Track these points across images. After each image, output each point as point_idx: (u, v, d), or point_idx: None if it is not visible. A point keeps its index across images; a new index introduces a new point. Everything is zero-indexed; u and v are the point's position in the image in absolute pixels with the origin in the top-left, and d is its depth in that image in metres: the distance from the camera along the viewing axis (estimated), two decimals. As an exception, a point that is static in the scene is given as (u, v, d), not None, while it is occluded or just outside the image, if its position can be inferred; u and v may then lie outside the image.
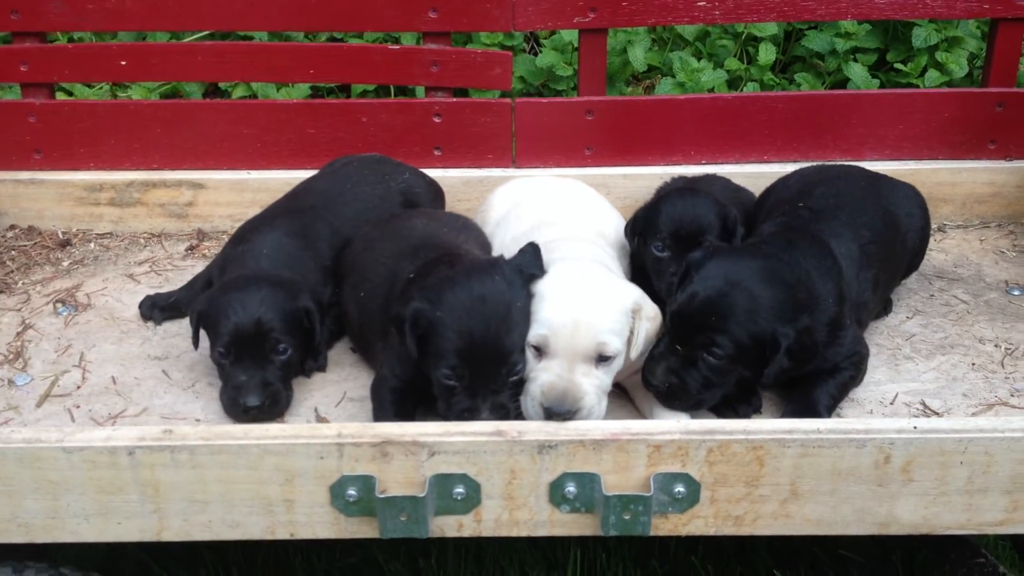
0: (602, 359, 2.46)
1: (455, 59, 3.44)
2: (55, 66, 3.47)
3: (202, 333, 2.75)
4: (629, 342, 2.52)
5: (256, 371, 2.65)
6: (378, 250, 2.85)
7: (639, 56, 4.44)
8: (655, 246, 2.87)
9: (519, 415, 2.44)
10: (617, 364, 2.51)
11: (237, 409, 2.62)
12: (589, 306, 2.47)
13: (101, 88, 4.42)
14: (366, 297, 2.80)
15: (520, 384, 2.46)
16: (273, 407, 2.65)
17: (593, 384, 2.44)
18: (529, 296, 2.50)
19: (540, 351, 2.46)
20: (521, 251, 2.60)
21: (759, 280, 2.53)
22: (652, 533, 2.27)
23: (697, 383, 2.53)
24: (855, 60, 4.53)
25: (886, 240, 2.89)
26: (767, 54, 4.52)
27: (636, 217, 2.96)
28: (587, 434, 2.21)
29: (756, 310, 2.50)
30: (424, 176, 3.31)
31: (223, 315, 2.66)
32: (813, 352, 2.56)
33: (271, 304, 2.68)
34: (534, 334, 2.45)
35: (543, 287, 2.52)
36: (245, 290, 2.71)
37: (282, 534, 2.30)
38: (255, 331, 2.65)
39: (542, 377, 2.43)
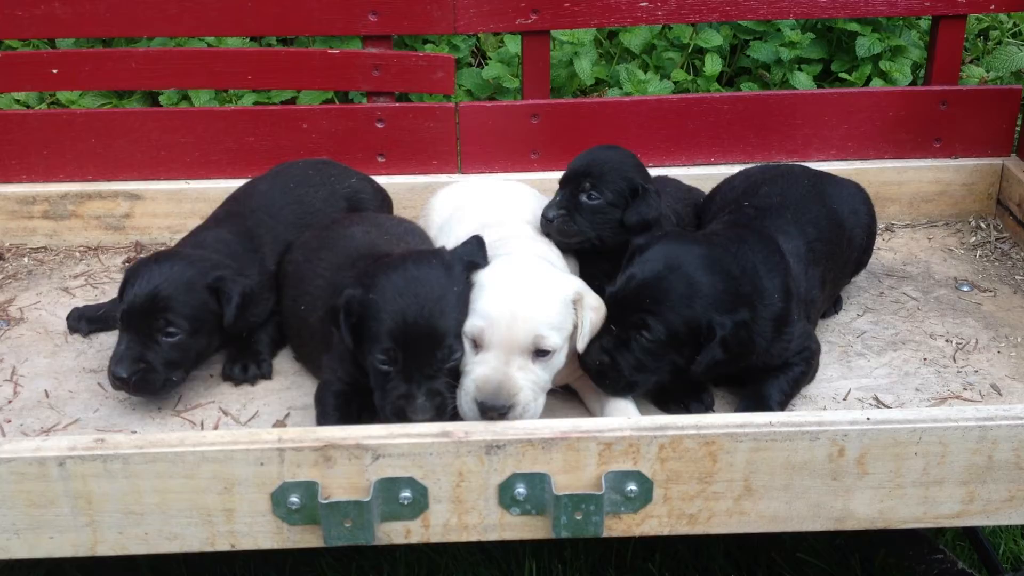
0: (540, 354, 2.40)
1: (397, 63, 3.39)
2: (-17, 76, 3.38)
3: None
4: (574, 335, 2.47)
5: (137, 345, 2.59)
6: (317, 261, 2.79)
7: (586, 68, 4.42)
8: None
9: (457, 411, 2.38)
10: (556, 361, 2.45)
11: (110, 377, 2.60)
12: (527, 299, 2.41)
13: (50, 99, 4.34)
14: (307, 310, 2.74)
15: (458, 373, 2.40)
16: (142, 384, 2.59)
17: (529, 379, 2.38)
18: (469, 284, 2.45)
19: (476, 343, 2.40)
20: (465, 242, 2.56)
21: (700, 267, 2.50)
22: (605, 534, 2.21)
23: (629, 365, 2.49)
24: (800, 70, 4.54)
25: (832, 237, 2.87)
26: (713, 65, 4.52)
27: None
28: (536, 433, 2.15)
29: (692, 296, 2.46)
30: (371, 182, 3.25)
31: (131, 282, 2.63)
32: (749, 348, 2.51)
33: (176, 281, 2.63)
34: (470, 325, 2.40)
35: (483, 278, 2.47)
36: (161, 262, 2.66)
37: (222, 545, 2.21)
38: (146, 306, 2.60)
39: (477, 370, 2.37)
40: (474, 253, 2.53)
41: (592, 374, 2.52)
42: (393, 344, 2.34)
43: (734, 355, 2.48)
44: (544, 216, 2.83)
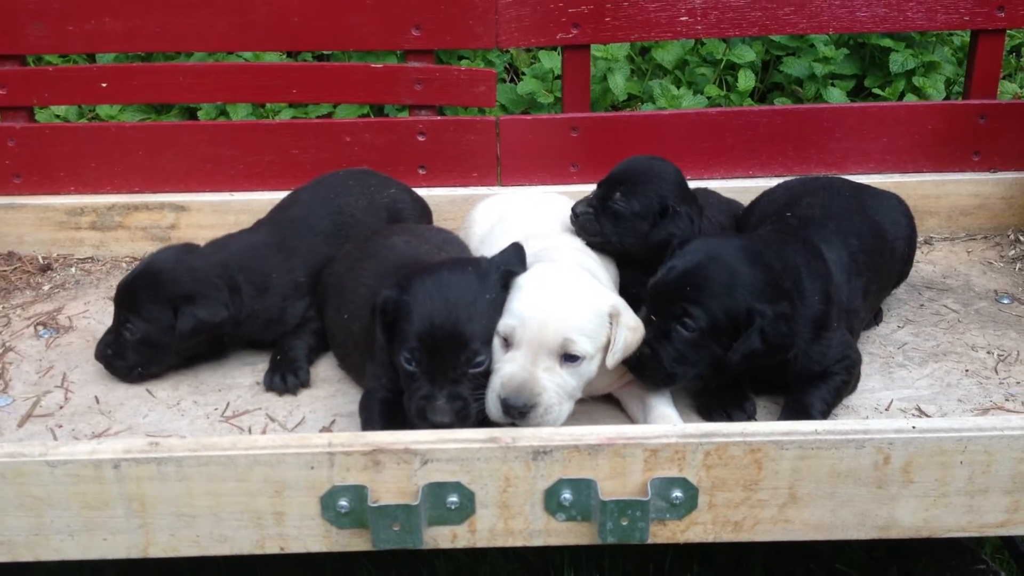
0: (569, 359, 2.41)
1: (439, 77, 3.44)
2: (34, 89, 3.45)
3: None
4: (606, 349, 2.48)
5: (112, 331, 2.82)
6: (359, 271, 2.83)
7: (619, 83, 4.45)
8: None
9: (482, 413, 2.41)
10: (586, 369, 2.45)
11: None
12: (562, 303, 2.44)
13: (90, 114, 4.41)
14: (350, 319, 2.77)
15: (484, 378, 2.43)
16: (109, 367, 2.83)
17: (555, 382, 2.40)
18: (503, 292, 2.48)
19: (508, 342, 2.43)
20: (503, 250, 2.60)
21: (741, 258, 2.53)
22: (650, 540, 2.22)
23: (670, 357, 2.51)
24: (833, 85, 4.55)
25: (874, 248, 2.89)
26: (746, 80, 4.54)
27: None
28: (582, 439, 2.17)
29: (734, 285, 2.49)
30: (410, 191, 3.30)
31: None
32: (787, 342, 2.52)
33: (146, 283, 2.79)
34: (503, 323, 2.43)
35: (521, 281, 2.51)
36: (155, 256, 2.87)
37: (272, 548, 2.24)
38: (119, 295, 2.82)
39: (504, 368, 2.40)
40: (512, 261, 2.56)
41: (631, 366, 2.54)
42: (419, 344, 2.38)
43: (772, 347, 2.49)
44: (572, 210, 2.90)
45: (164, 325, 2.76)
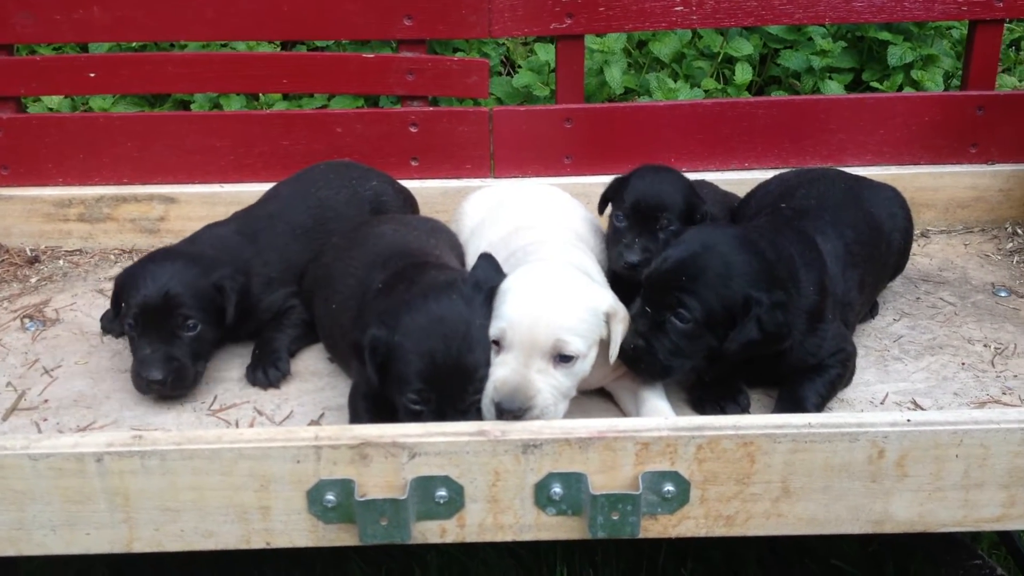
0: (562, 359, 2.37)
1: (431, 67, 3.41)
2: (22, 79, 3.42)
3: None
4: (600, 345, 2.44)
5: (161, 345, 2.66)
6: (347, 260, 2.80)
7: (616, 76, 4.42)
8: (616, 216, 2.86)
9: None
10: (580, 368, 2.41)
11: (141, 382, 2.64)
12: (552, 303, 2.38)
13: (83, 107, 4.38)
14: (338, 309, 2.74)
15: None
16: (178, 382, 2.66)
17: (549, 383, 2.35)
18: (489, 312, 2.42)
19: (499, 345, 2.38)
20: (476, 264, 2.53)
21: (736, 247, 2.49)
22: (641, 535, 2.19)
23: (665, 349, 2.48)
24: (831, 79, 4.52)
25: (870, 240, 2.86)
26: (743, 74, 4.50)
27: (609, 185, 2.94)
28: (573, 432, 2.14)
29: (729, 275, 2.45)
30: (393, 182, 3.26)
31: (134, 286, 2.68)
32: (784, 331, 2.48)
33: (182, 278, 2.70)
34: (494, 328, 2.38)
35: (509, 284, 2.45)
36: (159, 263, 2.74)
37: (258, 543, 2.21)
38: (163, 305, 2.66)
39: (497, 372, 2.35)
40: (490, 277, 2.49)
41: (626, 359, 2.50)
42: (424, 386, 2.32)
43: (769, 336, 2.45)
44: (626, 262, 2.76)
45: (215, 306, 2.75)
